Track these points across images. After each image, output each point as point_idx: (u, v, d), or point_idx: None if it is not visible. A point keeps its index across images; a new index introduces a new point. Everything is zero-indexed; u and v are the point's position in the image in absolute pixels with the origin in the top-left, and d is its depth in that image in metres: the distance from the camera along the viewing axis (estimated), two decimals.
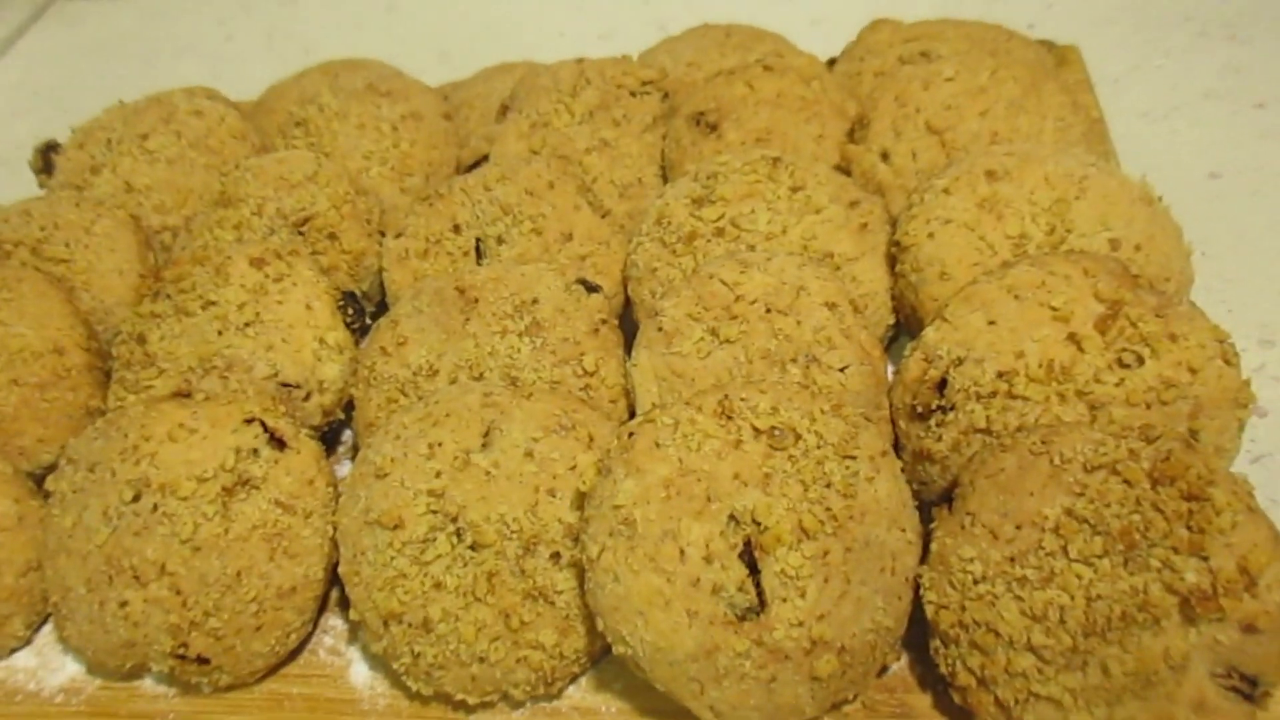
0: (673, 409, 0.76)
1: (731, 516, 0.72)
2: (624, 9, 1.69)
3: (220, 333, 0.92)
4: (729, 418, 0.74)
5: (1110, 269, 0.81)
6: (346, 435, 1.00)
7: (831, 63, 1.22)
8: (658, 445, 0.74)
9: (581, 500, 0.77)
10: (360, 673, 0.84)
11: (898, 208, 0.99)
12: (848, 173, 1.03)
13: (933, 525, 0.76)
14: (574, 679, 0.80)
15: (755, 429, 0.74)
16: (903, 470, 0.81)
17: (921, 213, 0.91)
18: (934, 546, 0.74)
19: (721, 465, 0.73)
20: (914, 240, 0.90)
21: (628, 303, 0.99)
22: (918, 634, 0.76)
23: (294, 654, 0.85)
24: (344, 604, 0.87)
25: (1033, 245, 0.87)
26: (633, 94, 1.13)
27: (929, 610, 0.73)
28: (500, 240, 1.01)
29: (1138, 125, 1.29)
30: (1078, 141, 1.00)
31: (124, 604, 0.80)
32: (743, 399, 0.75)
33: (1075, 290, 0.80)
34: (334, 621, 0.87)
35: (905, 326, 0.94)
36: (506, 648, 0.76)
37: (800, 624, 0.70)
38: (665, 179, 1.10)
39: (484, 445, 0.80)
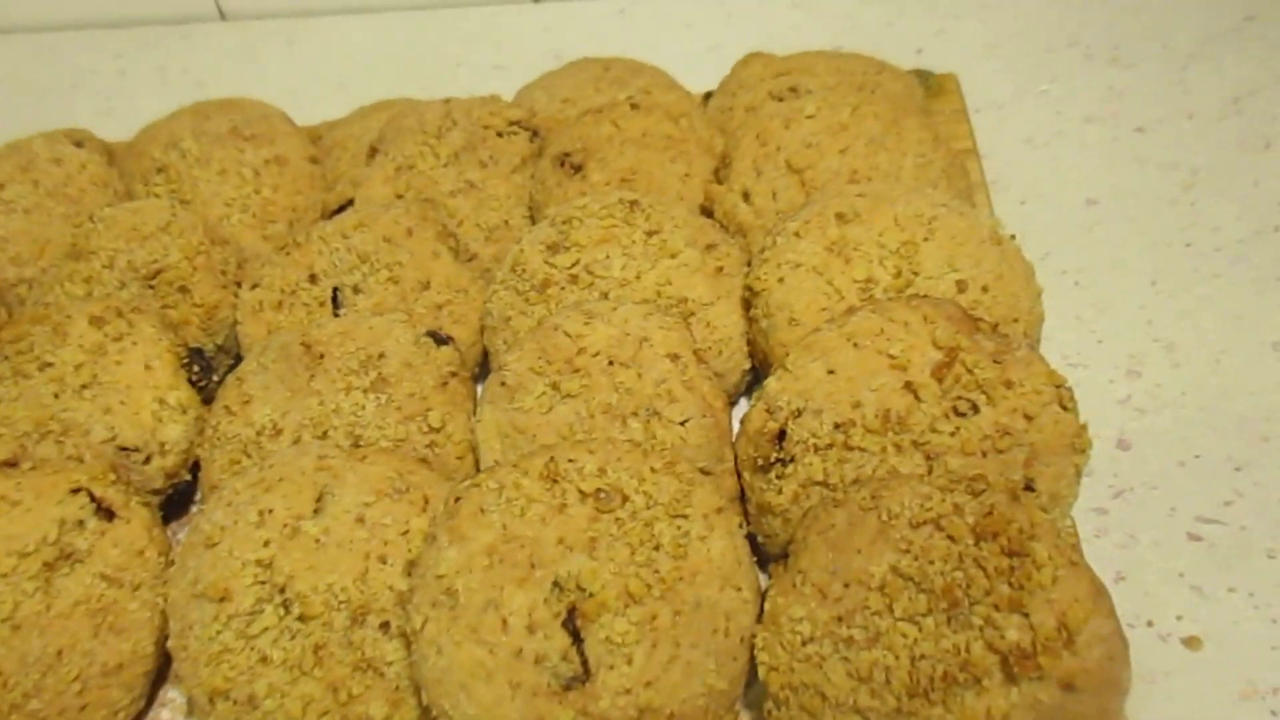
0: (498, 472, 0.74)
1: (555, 583, 0.70)
2: (522, 40, 1.67)
3: (57, 395, 0.89)
4: (554, 481, 0.73)
5: (949, 314, 0.80)
6: (197, 499, 0.98)
7: (708, 97, 1.22)
8: (482, 511, 0.72)
9: (411, 568, 0.75)
10: None
11: (758, 249, 0.98)
12: (710, 213, 1.02)
13: (769, 583, 0.74)
14: None
15: (581, 491, 0.72)
16: (748, 524, 0.80)
17: (773, 256, 0.90)
18: (767, 605, 0.73)
19: (546, 530, 0.71)
20: (765, 285, 0.89)
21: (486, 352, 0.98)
22: (759, 692, 0.75)
23: None
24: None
25: (880, 289, 0.87)
26: (499, 134, 1.11)
27: (761, 671, 0.72)
28: (357, 289, 0.98)
29: (1021, 152, 1.29)
30: (938, 177, 1.00)
31: None
32: (570, 460, 0.74)
33: (914, 337, 0.79)
34: (173, 694, 0.85)
35: (760, 372, 0.93)
36: None
37: (627, 691, 0.69)
38: (534, 221, 1.09)
39: (316, 511, 0.78)
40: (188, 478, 0.93)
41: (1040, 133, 1.31)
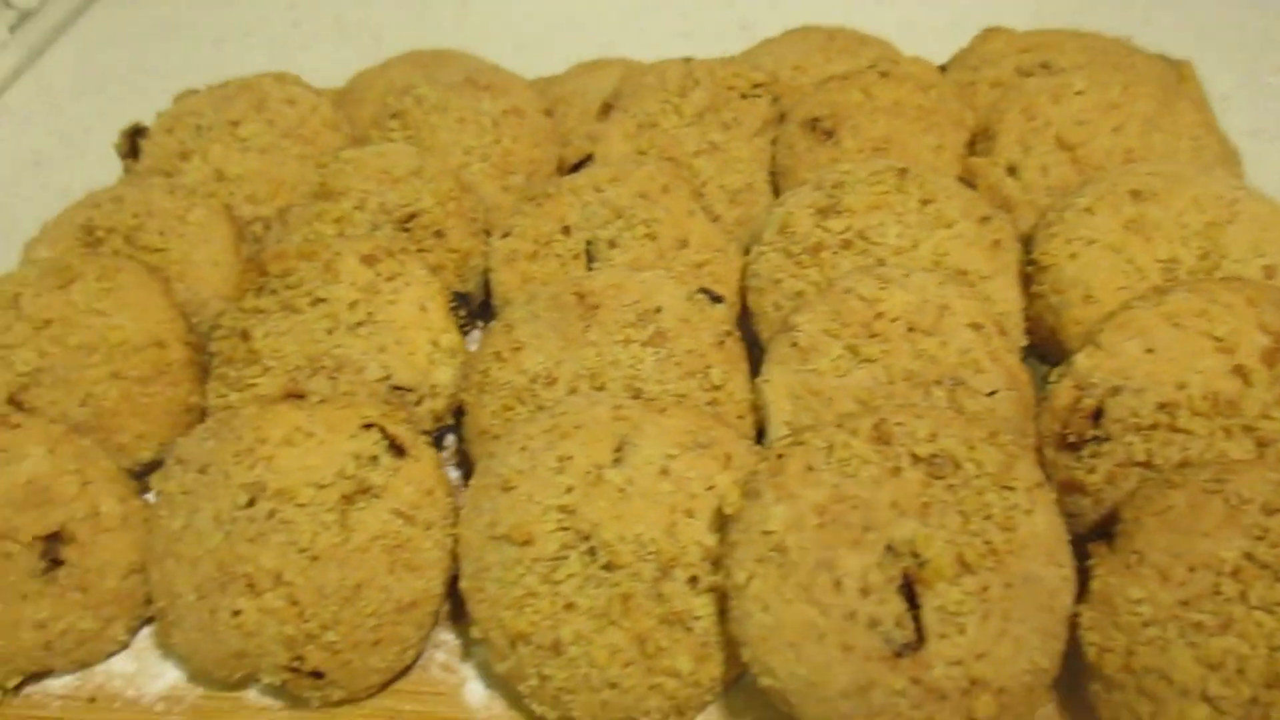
0: (824, 431, 0.73)
1: (889, 547, 0.69)
2: (706, 7, 1.66)
3: (330, 331, 0.89)
4: (886, 443, 0.71)
5: (1275, 299, 0.77)
6: (449, 440, 0.97)
7: (940, 70, 1.19)
8: (810, 469, 0.71)
9: (720, 523, 0.74)
10: (475, 691, 0.81)
11: (1026, 224, 0.95)
12: (971, 186, 0.99)
13: (1091, 562, 0.72)
14: (704, 707, 0.77)
15: (914, 455, 0.70)
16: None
17: (1062, 231, 0.88)
18: (1095, 585, 0.71)
19: (879, 493, 0.70)
20: (1054, 260, 0.87)
21: (743, 313, 0.96)
22: (1063, 676, 0.73)
23: (407, 669, 0.82)
24: (455, 618, 0.84)
25: (1183, 270, 0.84)
26: (743, 96, 1.09)
27: (1090, 652, 0.70)
28: (612, 244, 0.97)
29: (1249, 144, 1.25)
30: (1213, 162, 0.97)
31: (237, 613, 0.77)
32: (899, 424, 0.72)
33: (1239, 320, 0.76)
34: (445, 636, 0.84)
35: (1040, 349, 0.90)
36: (640, 674, 0.73)
37: (959, 662, 0.67)
38: (775, 185, 1.07)
39: (616, 460, 0.77)
40: (451, 422, 0.92)
41: (1270, 125, 1.27)
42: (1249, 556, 0.66)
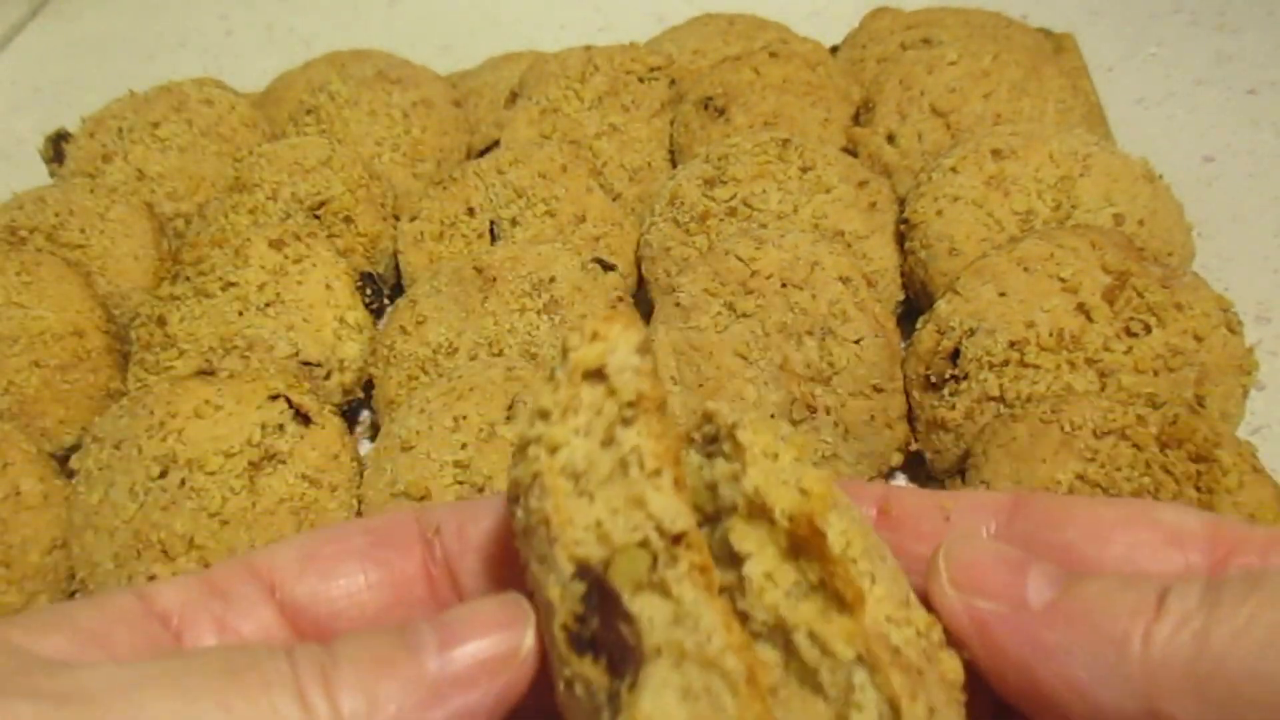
0: None
1: None
2: (623, 1, 1.71)
3: (241, 313, 0.93)
4: None
5: (1116, 242, 0.83)
6: (364, 415, 1.01)
7: (833, 51, 1.25)
8: None
9: None
10: None
11: (904, 188, 1.01)
12: (854, 155, 1.05)
13: None
14: None
15: None
16: (916, 441, 0.83)
17: (930, 190, 0.93)
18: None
19: None
20: (923, 217, 0.92)
21: (641, 283, 1.01)
22: None
23: None
24: None
25: (1039, 221, 0.90)
26: (640, 80, 1.15)
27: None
28: (514, 222, 1.02)
29: (1134, 111, 1.32)
30: (1078, 123, 1.03)
31: (152, 578, 0.81)
32: None
33: (1083, 262, 0.82)
34: None
35: (915, 302, 0.96)
36: None
37: None
38: (674, 163, 1.12)
39: (508, 418, 0.81)
40: (360, 395, 0.97)
41: (1152, 93, 1.34)
42: (1081, 477, 0.71)
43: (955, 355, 0.82)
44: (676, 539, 0.37)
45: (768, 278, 0.86)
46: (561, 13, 1.71)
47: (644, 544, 0.37)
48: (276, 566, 0.43)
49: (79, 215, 1.07)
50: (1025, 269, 0.83)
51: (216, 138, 1.17)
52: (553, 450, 0.39)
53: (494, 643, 0.39)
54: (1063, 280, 0.81)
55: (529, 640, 0.39)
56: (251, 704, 0.35)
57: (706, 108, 1.09)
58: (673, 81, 1.16)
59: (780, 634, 0.39)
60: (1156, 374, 0.78)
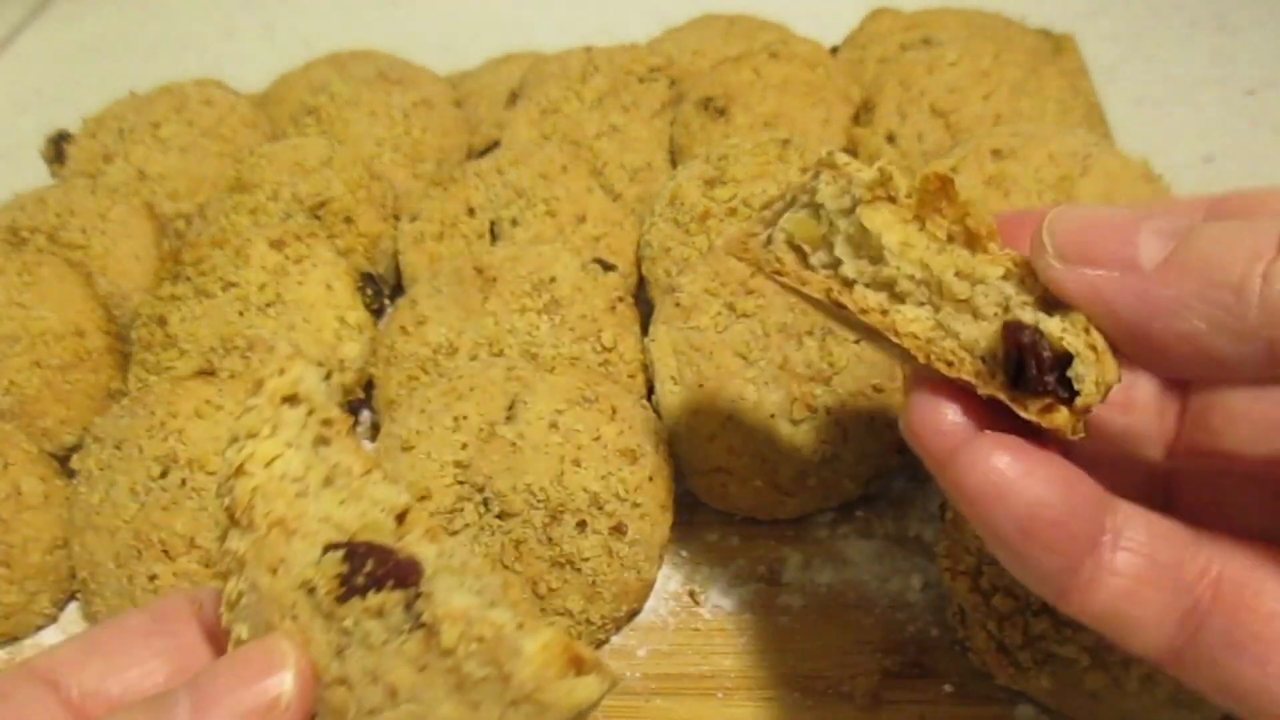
0: None
1: None
2: (623, 2, 1.71)
3: (241, 313, 0.93)
4: None
5: None
6: (364, 415, 1.02)
7: (833, 51, 1.25)
8: None
9: (606, 472, 0.79)
10: None
11: None
12: (854, 155, 1.05)
13: None
14: (599, 646, 0.82)
15: None
16: None
17: None
18: (949, 513, 0.76)
19: None
20: None
21: (641, 283, 1.01)
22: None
23: None
24: None
25: None
26: (640, 80, 1.15)
27: (945, 577, 0.75)
28: (514, 223, 1.02)
29: (1133, 111, 1.32)
30: (1078, 124, 1.03)
31: (153, 577, 0.81)
32: None
33: None
34: None
35: None
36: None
37: None
38: (674, 163, 1.12)
39: (508, 418, 0.81)
40: (361, 395, 0.97)
41: (1152, 94, 1.34)
42: None
43: None
44: (401, 516, 0.44)
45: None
46: (561, 13, 1.72)
47: (376, 525, 0.44)
48: (57, 664, 0.43)
49: (80, 216, 1.07)
50: None
51: (217, 138, 1.17)
52: (268, 462, 0.46)
53: (253, 695, 0.38)
54: None
55: (288, 684, 0.39)
56: None
57: (707, 108, 1.10)
58: (673, 82, 1.16)
59: (926, 287, 0.47)
60: None
